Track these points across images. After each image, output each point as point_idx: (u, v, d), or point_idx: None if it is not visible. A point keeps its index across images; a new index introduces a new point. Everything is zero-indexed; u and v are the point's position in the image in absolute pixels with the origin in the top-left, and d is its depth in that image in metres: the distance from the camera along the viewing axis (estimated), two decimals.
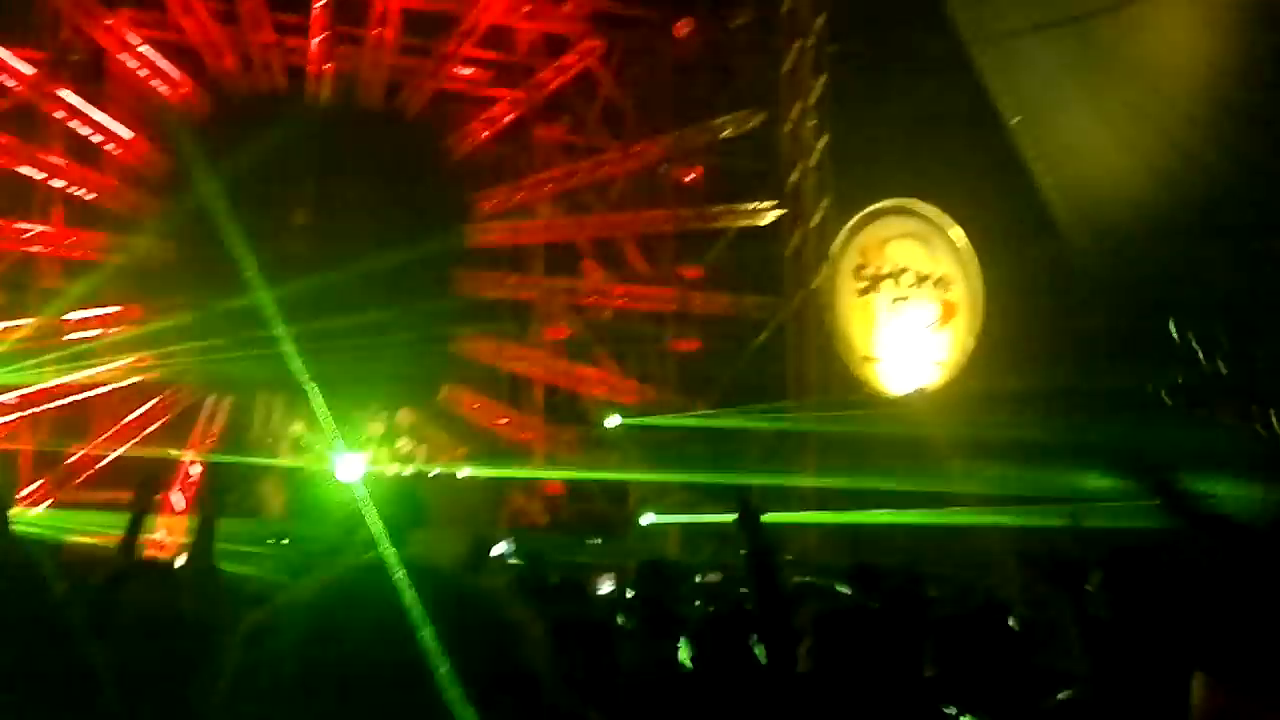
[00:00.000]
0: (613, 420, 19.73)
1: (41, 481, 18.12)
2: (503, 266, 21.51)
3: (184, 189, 18.87)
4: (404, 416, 18.98)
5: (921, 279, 20.48)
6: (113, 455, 18.11)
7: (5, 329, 17.99)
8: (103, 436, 18.57)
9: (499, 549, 13.33)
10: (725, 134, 20.88)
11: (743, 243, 20.87)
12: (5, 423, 18.10)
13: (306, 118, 19.70)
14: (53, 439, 18.39)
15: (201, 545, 5.58)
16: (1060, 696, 4.11)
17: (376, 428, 18.52)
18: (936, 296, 20.85)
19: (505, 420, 21.07)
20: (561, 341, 21.44)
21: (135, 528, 5.70)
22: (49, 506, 17.61)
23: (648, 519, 19.65)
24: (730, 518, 5.40)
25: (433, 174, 20.72)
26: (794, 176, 20.55)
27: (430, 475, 17.70)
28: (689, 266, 21.45)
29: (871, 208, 20.19)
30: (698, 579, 11.73)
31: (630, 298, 21.42)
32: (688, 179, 21.71)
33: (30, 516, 15.86)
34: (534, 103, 21.23)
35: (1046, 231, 16.82)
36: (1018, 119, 17.03)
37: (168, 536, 12.91)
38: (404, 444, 18.49)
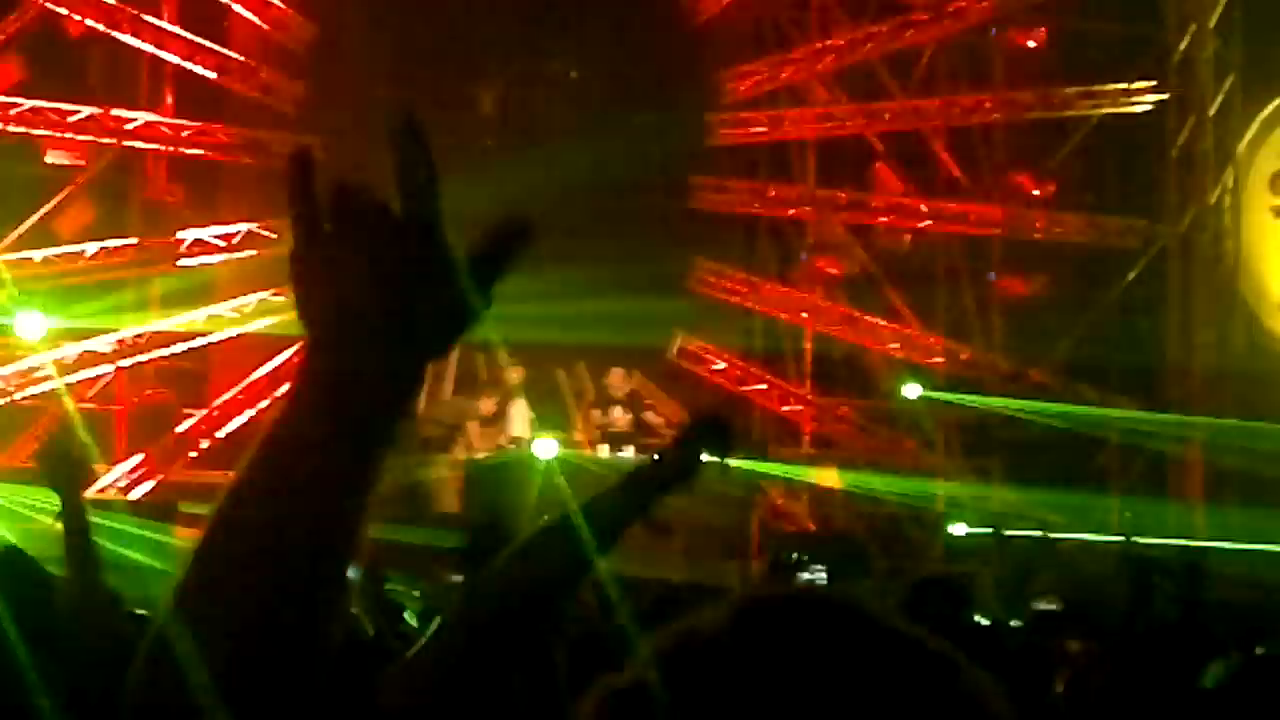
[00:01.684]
0: (912, 390, 19.30)
1: (143, 456, 18.55)
2: (761, 173, 21.45)
3: (334, 67, 19.01)
4: (618, 378, 19.08)
5: None
6: (237, 422, 18.37)
7: (100, 251, 18.40)
8: (224, 397, 18.89)
9: (807, 579, 13.40)
10: None
11: (1107, 140, 20.37)
12: (96, 375, 18.56)
13: None
14: (160, 399, 18.75)
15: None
16: None
17: (584, 392, 18.53)
18: None
19: (761, 386, 20.96)
20: (841, 279, 21.30)
21: (75, 520, 5.12)
22: (153, 489, 18.01)
23: (959, 529, 19.28)
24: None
25: (665, 42, 20.63)
26: (1183, 44, 20.00)
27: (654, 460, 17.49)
28: (1028, 174, 20.97)
29: None
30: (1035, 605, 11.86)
31: (940, 218, 21.08)
32: (1028, 46, 21.13)
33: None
34: None
35: None
36: None
37: None
38: (618, 416, 18.49)
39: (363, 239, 1.46)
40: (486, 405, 18.23)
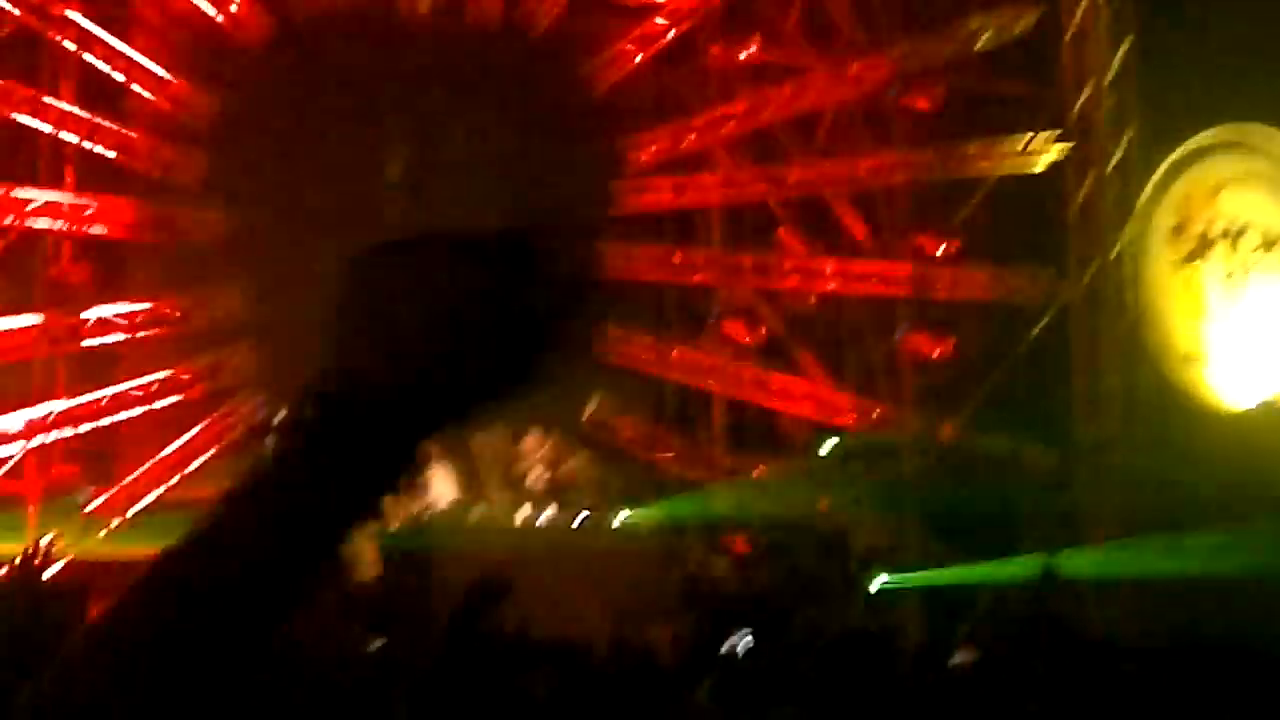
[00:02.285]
0: (829, 445, 19.44)
1: (53, 535, 18.25)
2: (667, 239, 21.63)
3: (238, 141, 19.06)
4: (534, 442, 19.06)
5: (1271, 243, 20.11)
6: (148, 499, 18.23)
7: (4, 331, 18.25)
8: (134, 474, 18.72)
9: (733, 642, 13.40)
10: (981, 44, 20.44)
11: (1010, 195, 20.44)
12: (4, 456, 18.35)
13: (400, 40, 19.86)
14: (69, 478, 18.60)
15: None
16: None
17: (500, 457, 18.54)
18: None
19: (672, 452, 21.03)
20: (750, 342, 21.35)
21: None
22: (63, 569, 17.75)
23: (878, 582, 19.35)
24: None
25: (570, 113, 20.73)
26: (1082, 97, 20.23)
27: (574, 525, 17.68)
28: (931, 233, 21.14)
29: (1195, 140, 19.79)
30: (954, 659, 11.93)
31: (846, 278, 21.26)
32: (927, 107, 21.36)
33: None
34: (709, 10, 21.18)
35: None
36: None
37: None
38: (535, 477, 18.50)
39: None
40: None
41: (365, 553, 16.84)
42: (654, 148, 21.45)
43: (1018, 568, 18.87)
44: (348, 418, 1.36)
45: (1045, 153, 20.30)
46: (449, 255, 1.41)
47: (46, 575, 17.10)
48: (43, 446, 18.67)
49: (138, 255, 19.76)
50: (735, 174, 21.60)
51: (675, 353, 21.22)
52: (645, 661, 10.41)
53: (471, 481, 18.23)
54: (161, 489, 18.40)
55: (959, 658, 13.11)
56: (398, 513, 17.52)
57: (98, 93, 19.57)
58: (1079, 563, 18.27)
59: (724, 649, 13.93)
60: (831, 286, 21.36)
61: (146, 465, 18.83)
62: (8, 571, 7.11)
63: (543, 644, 8.37)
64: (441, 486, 17.59)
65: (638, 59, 21.33)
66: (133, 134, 19.58)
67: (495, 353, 1.39)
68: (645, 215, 21.35)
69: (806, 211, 21.57)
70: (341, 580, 16.70)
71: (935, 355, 20.84)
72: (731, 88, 21.68)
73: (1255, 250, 19.72)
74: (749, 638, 13.88)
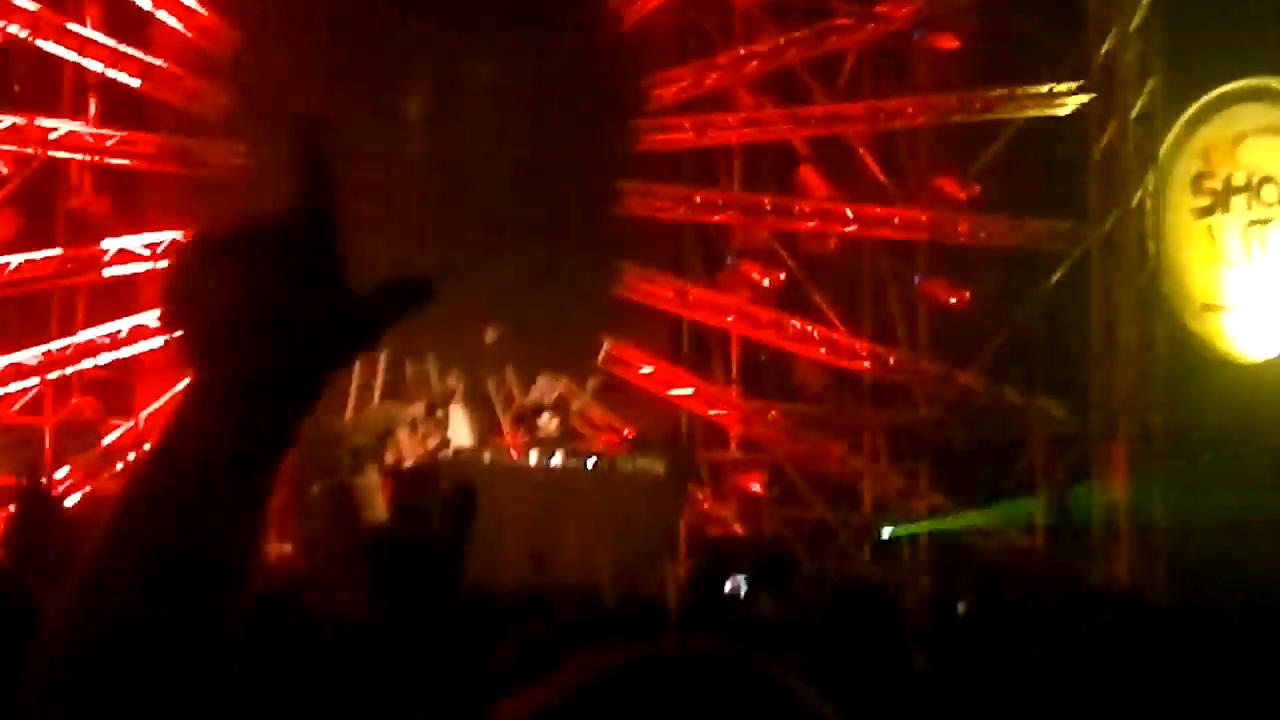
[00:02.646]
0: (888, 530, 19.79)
1: (70, 468, 18.52)
2: (687, 178, 21.60)
3: (262, 75, 19.06)
4: (548, 384, 19.09)
5: None
6: None
7: (24, 262, 18.38)
8: (152, 407, 18.79)
9: (730, 585, 13.52)
10: None
11: (1031, 142, 20.39)
12: (22, 389, 18.52)
13: None
14: (87, 411, 18.74)
15: None
16: None
17: (513, 397, 18.59)
18: None
19: (688, 390, 21.06)
20: (767, 283, 21.32)
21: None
22: (80, 501, 17.99)
23: (888, 531, 19.57)
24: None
25: (590, 48, 20.72)
26: (1106, 45, 20.10)
27: (588, 466, 17.76)
28: (952, 177, 21.04)
29: (1218, 91, 19.77)
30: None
31: (866, 223, 21.24)
32: (950, 50, 21.27)
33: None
34: None
35: None
36: None
37: None
38: (549, 421, 18.57)
39: (243, 247, 1.43)
40: (416, 411, 18.22)
41: (376, 496, 16.96)
42: (677, 86, 21.38)
43: (1023, 509, 19.07)
44: (235, 341, 1.42)
45: (1068, 99, 20.24)
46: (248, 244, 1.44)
47: (67, 505, 17.47)
48: (62, 378, 18.82)
49: (159, 186, 19.81)
50: (757, 114, 21.52)
51: (693, 292, 21.24)
52: (648, 606, 10.54)
53: (488, 424, 18.30)
54: None
55: (962, 607, 13.27)
56: (414, 452, 17.65)
57: (122, 21, 19.54)
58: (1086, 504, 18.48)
59: (726, 590, 14.12)
60: (851, 230, 21.32)
61: (166, 397, 18.92)
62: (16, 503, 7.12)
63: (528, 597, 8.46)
64: (458, 428, 17.66)
65: None
66: (158, 63, 19.55)
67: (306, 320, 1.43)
68: (666, 154, 21.37)
69: (827, 154, 21.49)
70: (353, 524, 16.89)
71: (952, 302, 20.85)
72: (755, 27, 21.58)
73: (1276, 201, 19.73)
74: (742, 582, 14.06)
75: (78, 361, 18.74)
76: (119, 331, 18.81)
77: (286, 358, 1.44)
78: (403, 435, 18.12)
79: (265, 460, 1.44)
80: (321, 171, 1.48)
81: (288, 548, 16.95)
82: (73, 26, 18.99)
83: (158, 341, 18.87)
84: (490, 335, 18.73)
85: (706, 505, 20.39)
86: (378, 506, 16.90)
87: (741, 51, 21.43)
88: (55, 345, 18.54)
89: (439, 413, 17.95)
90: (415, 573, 3.31)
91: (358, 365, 19.22)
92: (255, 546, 1.45)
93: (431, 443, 18.05)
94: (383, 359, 19.19)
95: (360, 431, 17.93)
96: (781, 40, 21.32)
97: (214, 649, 1.42)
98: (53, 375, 18.66)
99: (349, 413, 18.98)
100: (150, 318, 18.85)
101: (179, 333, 1.44)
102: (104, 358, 18.84)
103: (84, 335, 18.74)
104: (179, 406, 1.44)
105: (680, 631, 8.87)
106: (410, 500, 16.66)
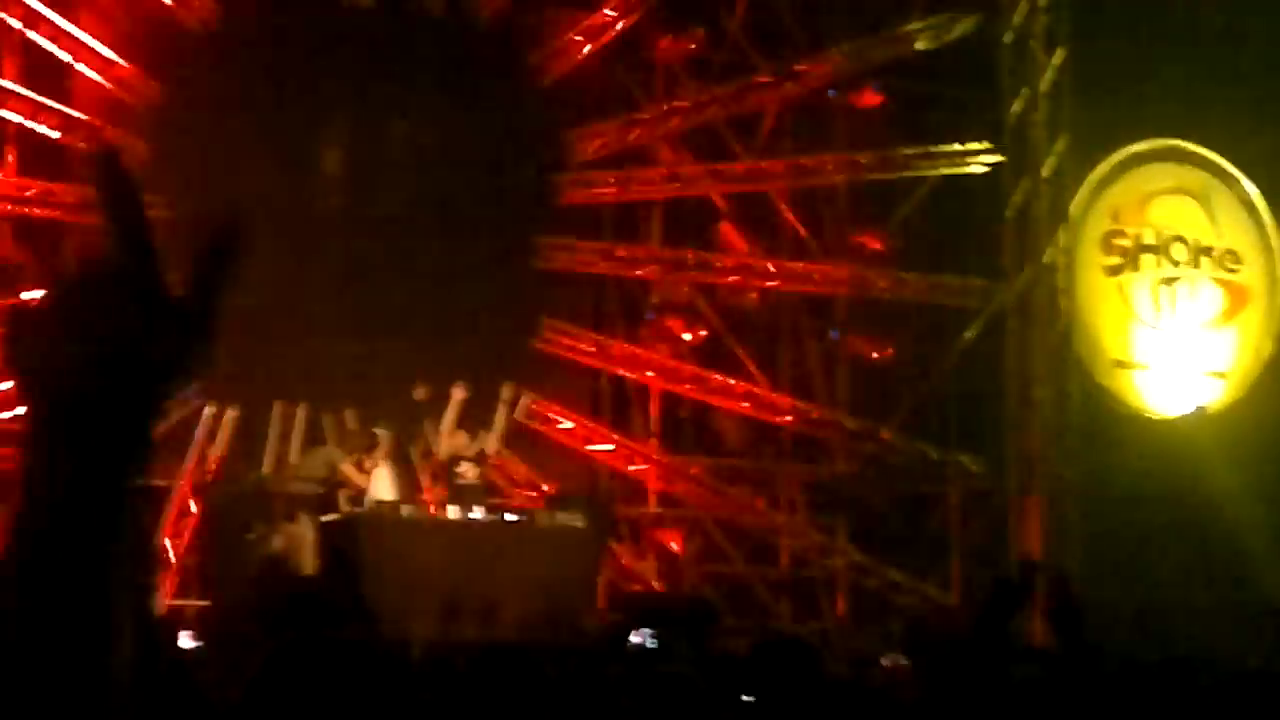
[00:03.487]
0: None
1: None
2: (608, 234, 21.60)
3: (181, 128, 19.11)
4: (465, 439, 18.93)
5: (1199, 253, 20.37)
6: None
7: None
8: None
9: (636, 639, 13.49)
10: (920, 45, 20.72)
11: (945, 200, 20.73)
12: None
13: (342, 27, 19.90)
14: None
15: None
16: None
17: (430, 453, 18.57)
18: (1221, 277, 20.67)
19: (608, 446, 21.11)
20: (688, 338, 21.42)
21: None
22: None
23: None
24: None
25: (513, 104, 20.82)
26: (1017, 107, 20.35)
27: (506, 520, 17.74)
28: (869, 234, 21.39)
29: (1128, 150, 20.08)
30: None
31: (786, 277, 21.42)
32: (868, 109, 21.58)
33: None
34: (652, 6, 21.15)
35: None
36: None
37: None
38: (468, 470, 18.40)
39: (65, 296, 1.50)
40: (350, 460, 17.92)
41: (305, 544, 16.88)
42: (599, 141, 21.41)
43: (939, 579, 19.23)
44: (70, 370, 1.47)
45: (981, 158, 20.48)
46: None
47: None
48: None
49: (80, 238, 19.71)
50: (677, 170, 21.64)
51: (613, 347, 21.23)
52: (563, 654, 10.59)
53: (408, 479, 18.19)
54: None
55: (886, 661, 13.50)
56: (336, 506, 17.47)
57: (42, 72, 19.54)
58: None
59: (631, 643, 14.15)
60: (771, 284, 21.48)
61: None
62: None
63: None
64: (379, 483, 17.48)
65: (584, 51, 21.31)
66: (78, 115, 19.56)
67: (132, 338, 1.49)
68: (587, 209, 21.38)
69: (747, 209, 21.65)
70: (282, 573, 16.81)
71: (875, 357, 21.03)
72: (676, 84, 21.71)
73: (1184, 261, 20.07)
74: (648, 637, 14.06)
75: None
76: None
77: (108, 371, 1.48)
78: (350, 471, 17.70)
79: (113, 483, 1.46)
80: (129, 201, 1.55)
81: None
82: None
83: None
84: (420, 394, 18.73)
85: (625, 561, 20.33)
86: (306, 557, 16.83)
87: (664, 108, 21.53)
88: None
89: (366, 464, 17.80)
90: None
91: (276, 417, 19.31)
92: (125, 579, 1.48)
93: (351, 501, 17.67)
94: (300, 412, 19.28)
95: (300, 479, 17.80)
96: (702, 98, 21.45)
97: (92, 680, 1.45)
98: None
99: (267, 465, 19.01)
100: None
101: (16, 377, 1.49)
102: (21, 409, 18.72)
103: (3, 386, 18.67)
104: (23, 446, 1.49)
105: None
106: (332, 554, 16.67)
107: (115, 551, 1.48)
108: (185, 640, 12.01)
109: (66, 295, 1.54)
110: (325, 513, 17.05)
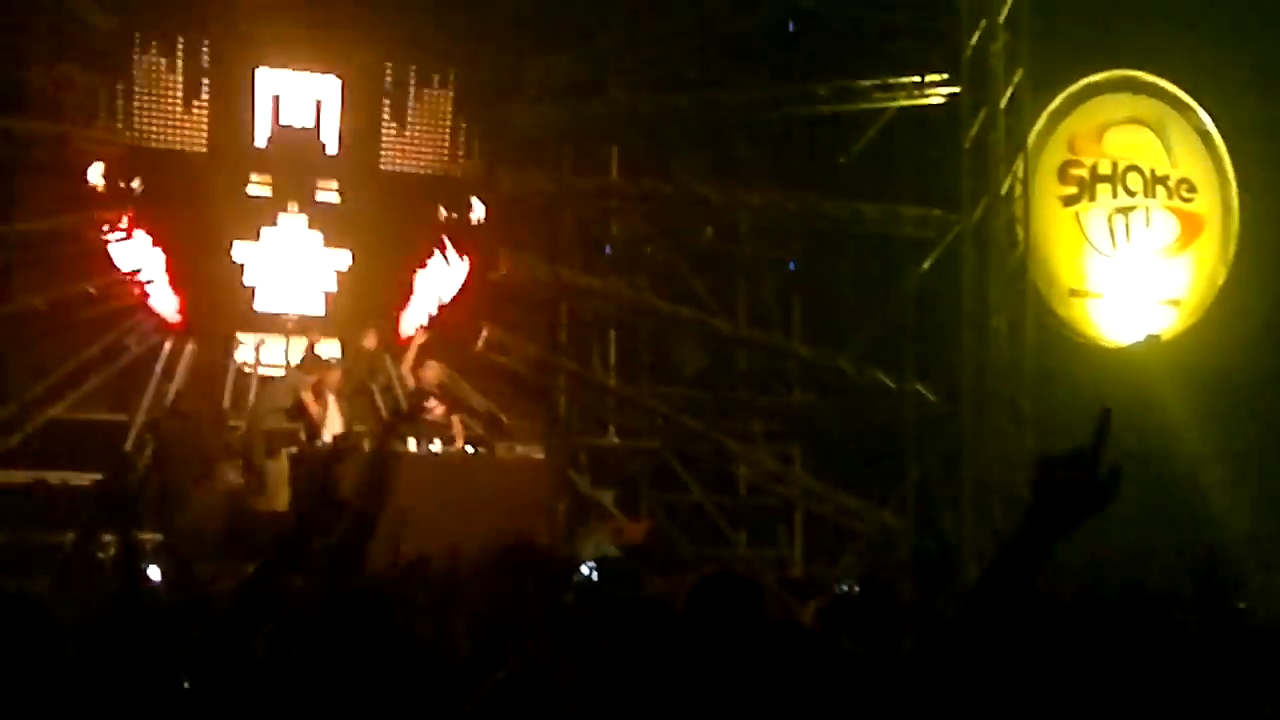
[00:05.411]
0: None
1: None
2: (565, 166, 21.70)
3: None
4: (430, 371, 19.00)
5: (1155, 182, 20.53)
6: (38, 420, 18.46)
7: None
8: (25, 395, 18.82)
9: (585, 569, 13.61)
10: None
11: (898, 131, 20.73)
12: None
13: None
14: None
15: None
16: None
17: (392, 386, 18.71)
18: (1176, 206, 20.88)
19: (563, 375, 21.31)
20: (644, 269, 21.58)
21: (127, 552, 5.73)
22: None
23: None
24: None
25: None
26: (974, 39, 20.35)
27: (466, 452, 17.88)
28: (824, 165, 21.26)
29: (1084, 81, 20.18)
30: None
31: (740, 208, 21.59)
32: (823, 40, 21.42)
33: None
34: None
35: None
36: None
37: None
38: (431, 408, 18.49)
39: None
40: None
41: (277, 478, 16.99)
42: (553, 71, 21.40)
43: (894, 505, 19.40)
44: None
45: (938, 90, 20.54)
46: None
47: None
48: None
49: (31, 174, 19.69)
50: (635, 104, 21.57)
51: (573, 278, 21.28)
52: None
53: (367, 411, 18.30)
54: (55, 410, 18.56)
55: (841, 587, 13.66)
56: (301, 442, 17.54)
57: None
58: None
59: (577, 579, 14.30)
60: (726, 216, 21.55)
61: (37, 387, 18.94)
62: None
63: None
64: (336, 420, 17.56)
65: None
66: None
67: None
68: (545, 140, 21.43)
69: (703, 141, 21.71)
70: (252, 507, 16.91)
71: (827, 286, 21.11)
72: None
73: (1139, 191, 20.26)
74: (591, 569, 14.19)
75: None
76: None
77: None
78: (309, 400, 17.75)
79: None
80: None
81: None
82: None
83: None
84: (370, 341, 18.85)
85: (584, 491, 20.48)
86: (277, 487, 16.93)
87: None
88: None
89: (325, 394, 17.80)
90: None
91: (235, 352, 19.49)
92: None
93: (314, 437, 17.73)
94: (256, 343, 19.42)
95: (273, 415, 17.84)
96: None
97: None
98: None
99: (227, 399, 19.13)
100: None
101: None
102: None
103: None
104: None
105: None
106: (307, 488, 16.68)
107: None
108: (153, 573, 12.18)
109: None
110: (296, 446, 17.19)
